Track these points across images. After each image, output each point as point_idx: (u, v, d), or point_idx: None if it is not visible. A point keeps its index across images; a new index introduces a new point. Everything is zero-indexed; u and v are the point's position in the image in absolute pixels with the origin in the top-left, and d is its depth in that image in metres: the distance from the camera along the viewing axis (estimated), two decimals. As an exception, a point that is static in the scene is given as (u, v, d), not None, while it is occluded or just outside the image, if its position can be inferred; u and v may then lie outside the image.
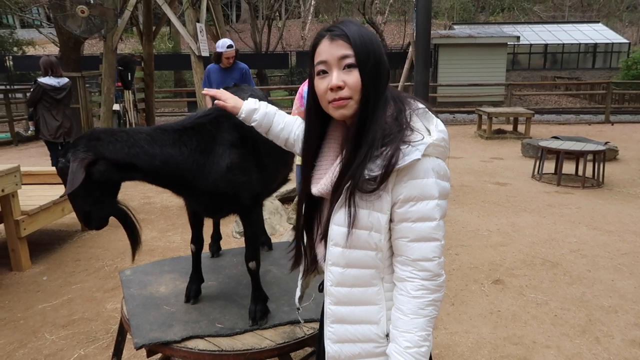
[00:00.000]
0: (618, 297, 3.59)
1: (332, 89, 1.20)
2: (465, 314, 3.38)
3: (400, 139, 1.17)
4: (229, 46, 5.64)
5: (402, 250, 1.22)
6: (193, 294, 2.19)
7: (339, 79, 1.19)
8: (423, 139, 1.17)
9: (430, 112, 1.25)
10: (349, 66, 1.19)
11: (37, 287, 3.84)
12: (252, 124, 1.69)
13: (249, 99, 1.72)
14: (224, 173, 1.84)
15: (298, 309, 1.65)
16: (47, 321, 3.32)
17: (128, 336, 2.17)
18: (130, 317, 2.05)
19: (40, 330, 3.20)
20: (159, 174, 1.79)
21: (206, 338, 1.88)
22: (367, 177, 1.17)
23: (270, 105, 1.71)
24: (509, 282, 3.85)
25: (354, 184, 1.18)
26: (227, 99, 1.72)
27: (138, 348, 1.84)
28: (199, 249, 2.26)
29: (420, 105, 1.26)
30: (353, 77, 1.18)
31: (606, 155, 7.39)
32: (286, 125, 1.66)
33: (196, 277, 2.23)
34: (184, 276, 2.33)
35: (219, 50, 5.57)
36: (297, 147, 1.63)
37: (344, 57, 1.18)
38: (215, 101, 1.74)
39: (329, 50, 1.20)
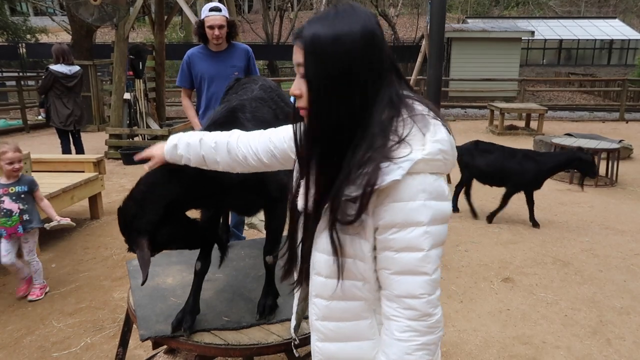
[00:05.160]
0: (630, 298, 3.53)
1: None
2: (473, 311, 3.34)
3: (382, 155, 0.97)
4: (213, 9, 3.46)
5: (385, 283, 1.04)
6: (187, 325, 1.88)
7: (296, 87, 1.04)
8: (409, 154, 0.97)
9: (428, 118, 1.02)
10: (302, 76, 1.02)
11: (45, 274, 3.84)
12: (184, 163, 1.51)
13: (168, 138, 1.54)
14: None
15: (294, 340, 1.47)
16: (55, 308, 3.34)
17: (134, 326, 2.16)
18: (136, 308, 2.04)
19: (48, 318, 3.22)
20: (202, 193, 1.77)
21: (212, 331, 1.86)
22: (344, 198, 0.99)
23: (212, 133, 1.49)
24: (518, 281, 3.80)
25: (333, 209, 1.02)
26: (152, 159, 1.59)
27: (144, 340, 1.83)
28: (204, 269, 2.02)
29: (419, 108, 1.03)
30: (305, 88, 1.02)
31: (620, 154, 7.26)
32: (233, 149, 1.42)
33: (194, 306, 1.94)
34: (191, 268, 2.31)
35: (201, 16, 3.57)
36: (274, 163, 1.40)
37: (299, 64, 1.02)
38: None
39: (294, 54, 1.03)
